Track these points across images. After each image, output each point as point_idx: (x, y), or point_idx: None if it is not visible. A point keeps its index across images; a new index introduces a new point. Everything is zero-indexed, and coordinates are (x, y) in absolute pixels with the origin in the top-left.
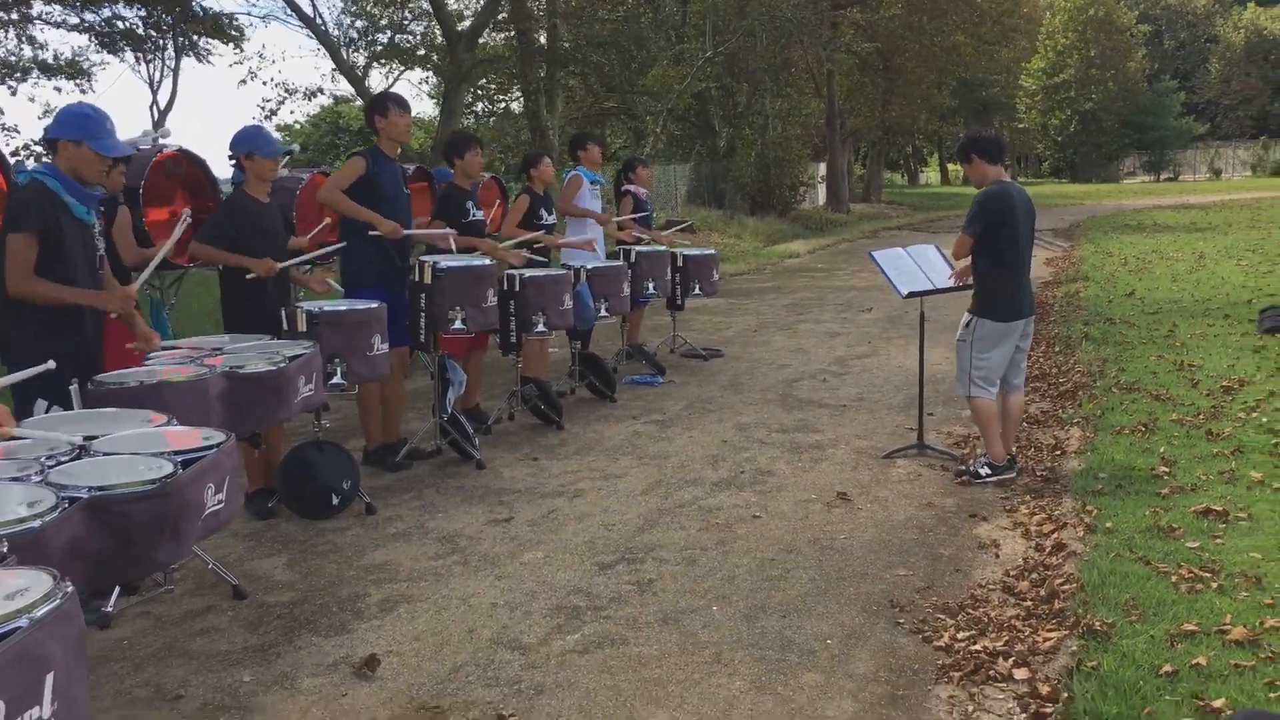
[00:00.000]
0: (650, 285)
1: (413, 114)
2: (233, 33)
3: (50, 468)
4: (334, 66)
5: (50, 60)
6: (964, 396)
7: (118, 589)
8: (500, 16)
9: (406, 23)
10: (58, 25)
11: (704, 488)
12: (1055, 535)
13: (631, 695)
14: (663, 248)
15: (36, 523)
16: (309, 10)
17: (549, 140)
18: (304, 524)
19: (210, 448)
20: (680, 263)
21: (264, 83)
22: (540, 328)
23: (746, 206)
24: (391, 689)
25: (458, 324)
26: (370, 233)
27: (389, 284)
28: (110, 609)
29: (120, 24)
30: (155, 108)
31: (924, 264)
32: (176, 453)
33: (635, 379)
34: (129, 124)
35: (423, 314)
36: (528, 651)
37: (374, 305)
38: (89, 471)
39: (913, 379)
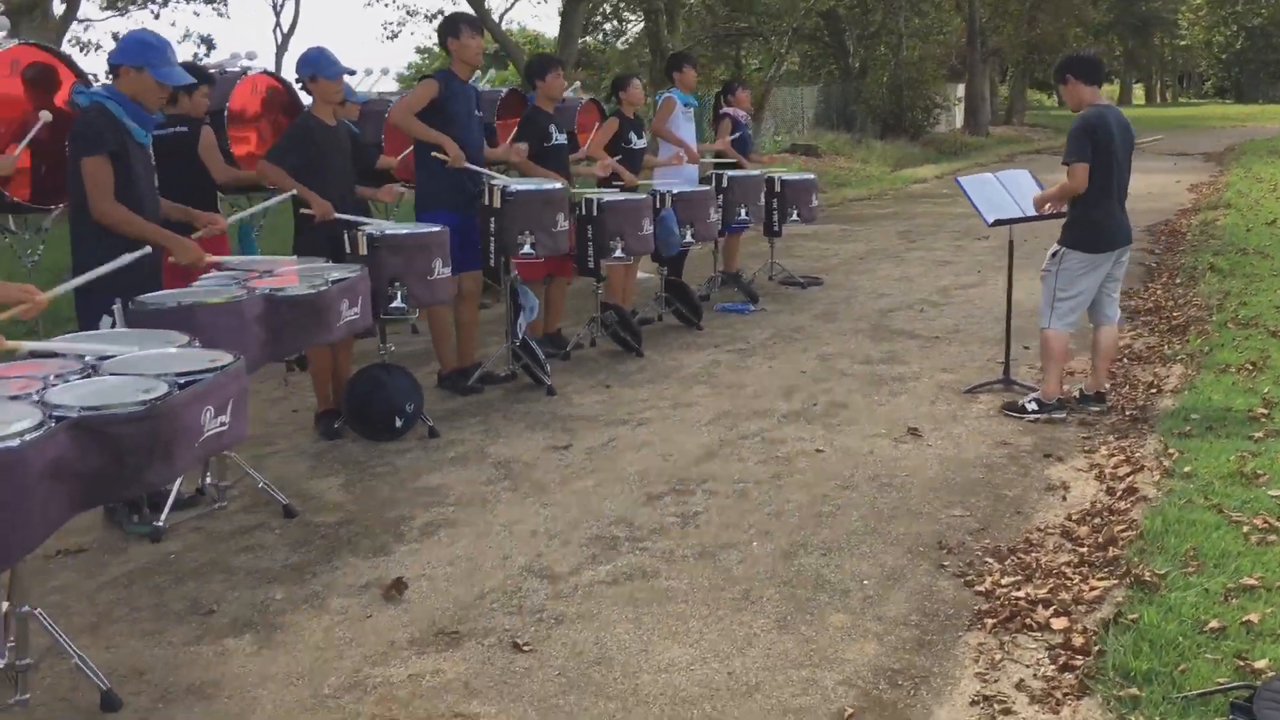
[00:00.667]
0: (743, 211)
1: (534, 34)
2: None
3: (52, 386)
4: None
5: None
6: (1043, 328)
7: (170, 502)
8: None
9: None
10: None
11: (772, 419)
12: (1130, 479)
13: (651, 629)
14: (756, 172)
15: (15, 441)
16: None
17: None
18: (367, 445)
19: (209, 371)
20: (777, 188)
21: (385, 4)
22: (618, 253)
23: (877, 129)
24: (415, 612)
25: (526, 248)
26: (433, 154)
27: (459, 206)
28: (162, 523)
29: None
30: (279, 30)
31: (1014, 190)
32: (180, 374)
33: (726, 306)
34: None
35: (492, 238)
36: (556, 581)
37: (435, 229)
38: (86, 392)
39: (1019, 310)
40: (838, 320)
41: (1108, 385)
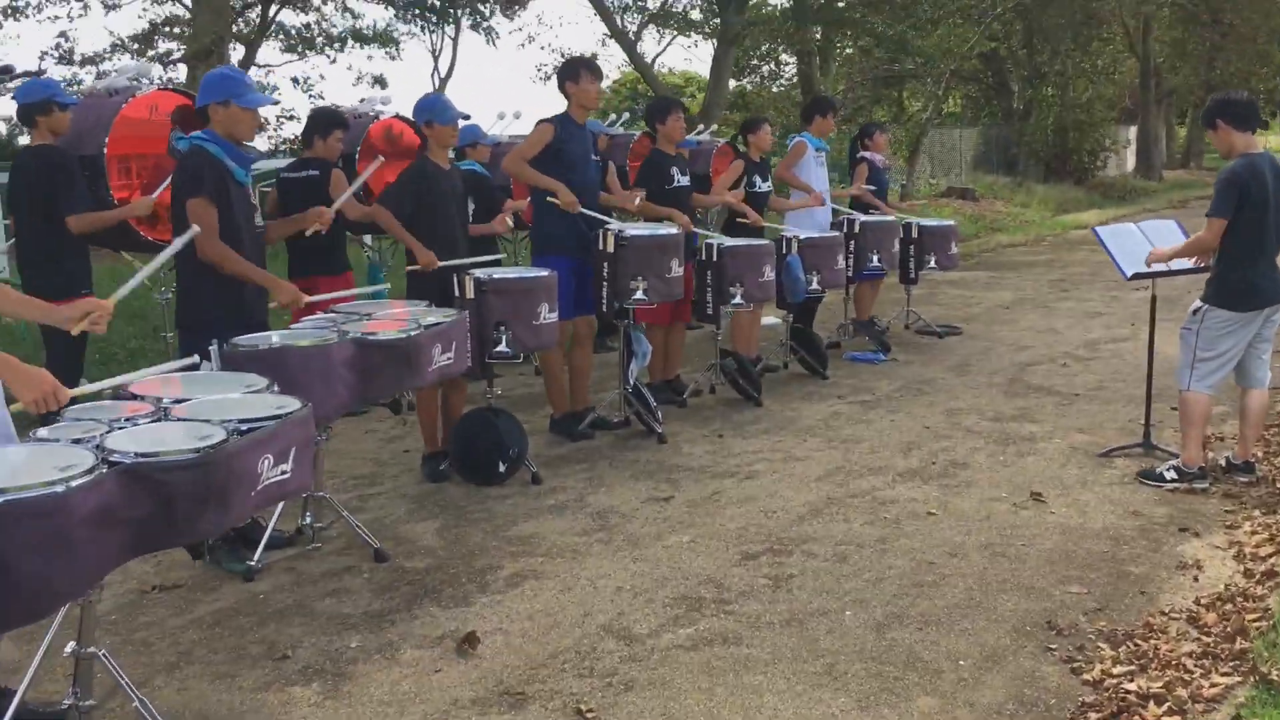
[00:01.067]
0: (875, 257)
1: (689, 76)
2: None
3: (116, 429)
4: (607, 32)
5: (365, 29)
6: (1182, 390)
7: (264, 540)
8: None
9: None
10: None
11: (886, 477)
12: (1271, 560)
13: (723, 700)
14: (890, 218)
15: (60, 487)
16: None
17: None
18: (469, 490)
19: (271, 419)
20: (914, 234)
21: (541, 48)
22: (737, 299)
23: (1039, 172)
24: (485, 669)
25: (639, 294)
26: (548, 199)
27: (575, 250)
28: (255, 563)
29: None
30: (436, 74)
31: (1159, 241)
32: (242, 421)
33: (856, 355)
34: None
35: (605, 283)
36: (633, 642)
37: (542, 273)
38: (146, 436)
39: (1169, 367)
40: (971, 373)
41: (1258, 454)
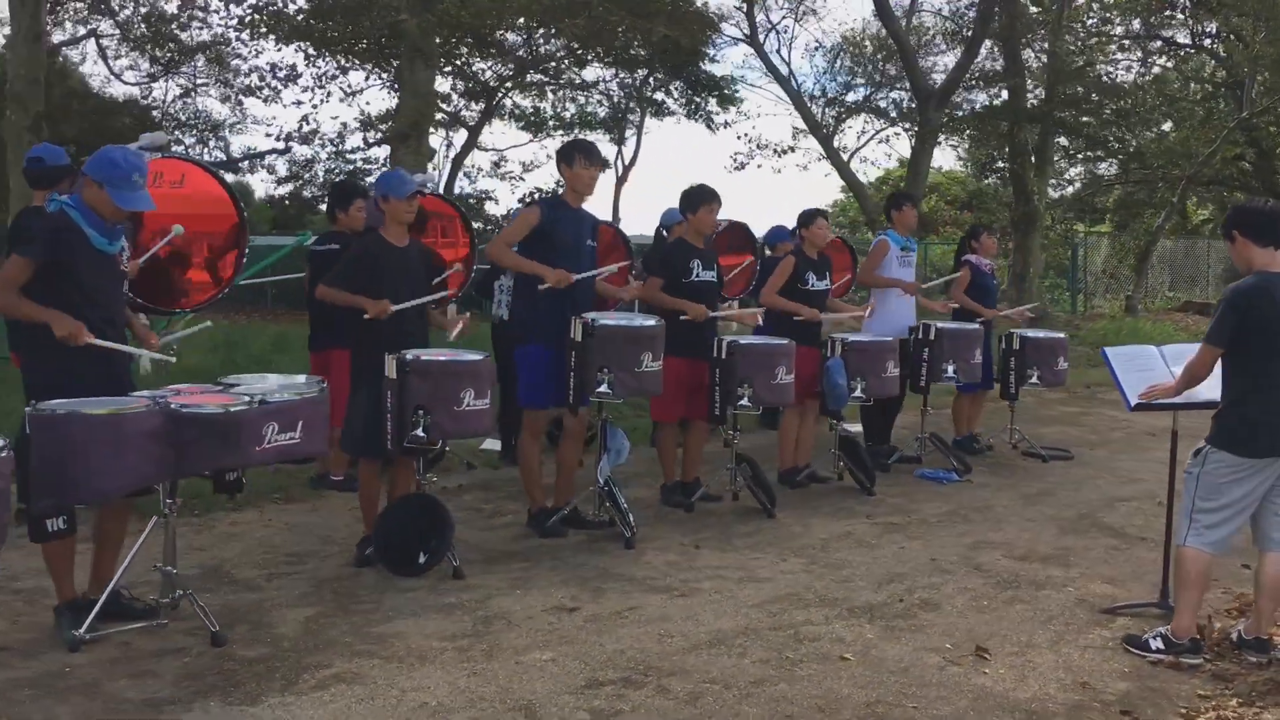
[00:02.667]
0: (950, 367)
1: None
2: (732, 94)
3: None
4: (803, 126)
5: (590, 115)
6: (1178, 545)
7: (96, 609)
8: (984, 70)
9: (880, 83)
10: (590, 87)
11: (833, 611)
12: None
13: None
14: (972, 326)
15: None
16: (783, 70)
17: (1033, 207)
18: (381, 579)
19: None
20: (1016, 346)
21: (738, 136)
22: (744, 401)
23: None
24: None
25: (603, 388)
26: (540, 287)
27: (554, 340)
28: (80, 633)
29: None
30: (621, 160)
31: (1179, 367)
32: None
33: (925, 473)
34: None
35: (571, 373)
36: None
37: (472, 357)
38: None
39: None
40: (1042, 504)
41: (1274, 632)
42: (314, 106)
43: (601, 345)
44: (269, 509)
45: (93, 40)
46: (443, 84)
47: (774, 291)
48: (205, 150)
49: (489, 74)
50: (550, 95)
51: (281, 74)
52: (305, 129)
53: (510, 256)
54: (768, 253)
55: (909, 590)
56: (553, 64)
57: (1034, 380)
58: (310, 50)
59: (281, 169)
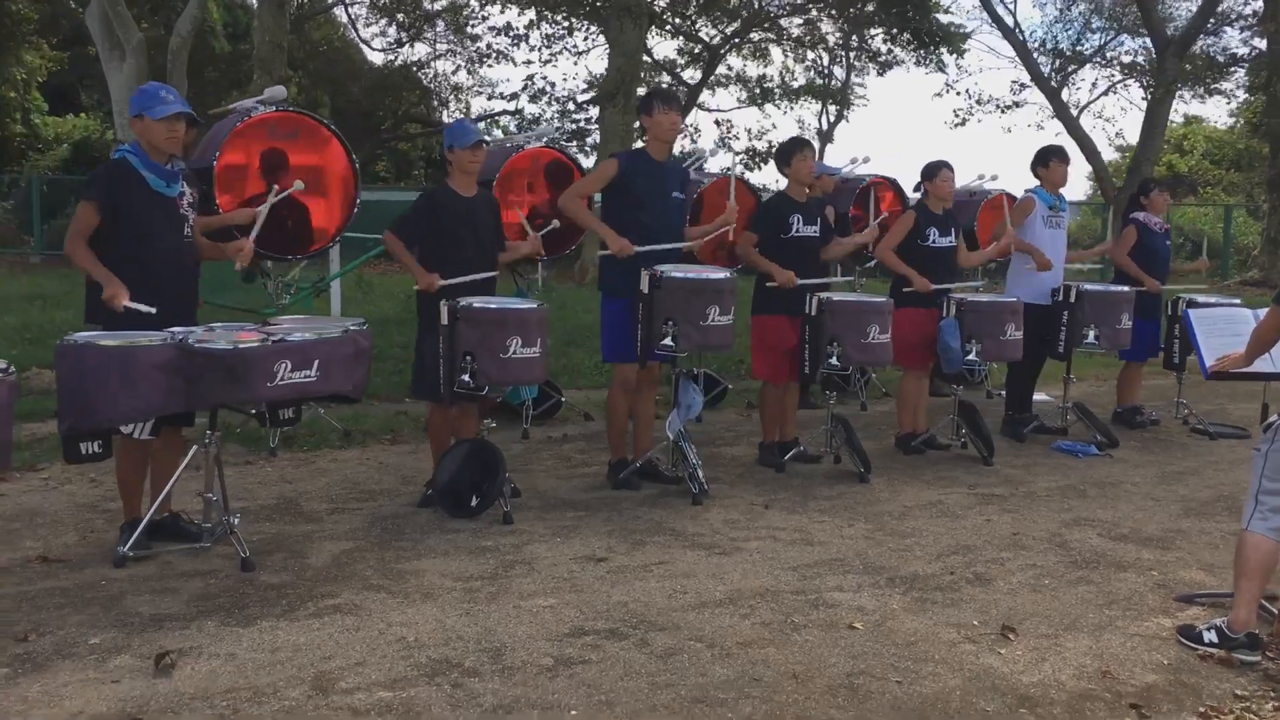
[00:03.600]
0: (1091, 333)
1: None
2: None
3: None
4: (1028, 79)
5: (818, 84)
6: (1242, 528)
7: (139, 529)
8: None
9: (1118, 30)
10: (816, 44)
11: (874, 579)
12: None
13: None
14: (1119, 288)
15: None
16: (1009, 20)
17: None
18: (436, 520)
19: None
20: (1178, 311)
21: (958, 93)
22: (833, 360)
23: None
24: (152, 693)
25: (667, 340)
26: (600, 253)
27: (634, 294)
28: (126, 549)
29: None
30: (825, 116)
31: None
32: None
33: (1062, 445)
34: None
35: (639, 326)
36: (320, 696)
37: (520, 305)
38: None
39: None
40: (1179, 484)
41: None
42: (542, 65)
43: (667, 297)
44: (374, 448)
45: (341, 8)
46: (668, 46)
47: (889, 248)
48: (446, 113)
49: (715, 35)
50: (775, 56)
51: (512, 36)
52: (533, 89)
53: (580, 210)
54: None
55: (968, 564)
56: (778, 16)
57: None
58: (536, 11)
59: (513, 128)
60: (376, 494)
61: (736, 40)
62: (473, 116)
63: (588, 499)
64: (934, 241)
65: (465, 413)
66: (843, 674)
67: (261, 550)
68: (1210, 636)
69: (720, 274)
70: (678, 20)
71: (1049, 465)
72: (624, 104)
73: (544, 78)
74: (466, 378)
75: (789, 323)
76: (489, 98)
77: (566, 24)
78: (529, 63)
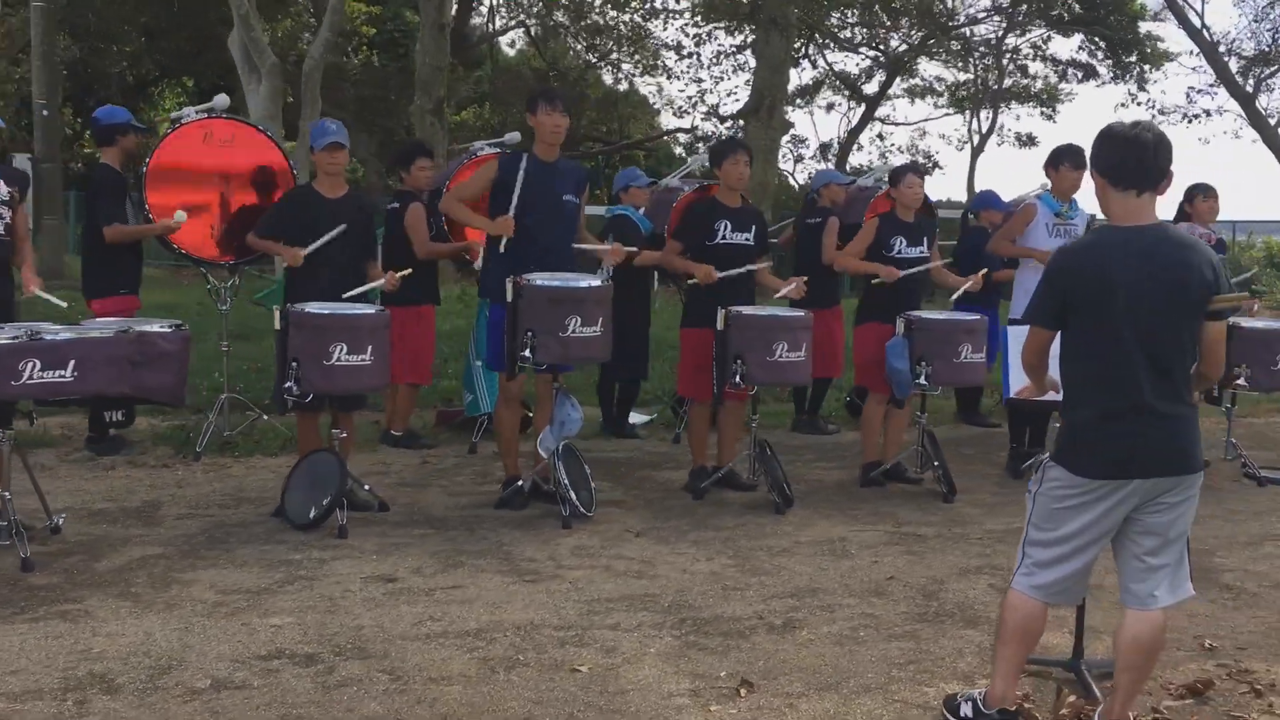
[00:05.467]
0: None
1: None
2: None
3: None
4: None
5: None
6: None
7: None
8: None
9: None
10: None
11: (662, 617)
12: None
13: None
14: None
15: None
16: (1195, 21)
17: None
18: (276, 530)
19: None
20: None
21: (1137, 103)
22: (737, 379)
23: None
24: None
25: (525, 352)
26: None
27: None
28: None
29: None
30: (978, 130)
31: None
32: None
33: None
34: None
35: (504, 336)
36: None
37: (352, 311)
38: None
39: None
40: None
41: (1135, 715)
42: (714, 80)
43: (528, 306)
44: (283, 457)
45: (521, 29)
46: (848, 61)
47: (849, 254)
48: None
49: (900, 45)
50: (971, 65)
51: (685, 52)
52: (703, 106)
53: (456, 208)
54: (970, 221)
55: (792, 609)
56: (971, 24)
57: (1241, 381)
58: (706, 28)
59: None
60: (246, 502)
61: (932, 41)
62: (657, 134)
63: (457, 516)
64: (900, 252)
65: (310, 424)
66: (487, 713)
67: (66, 552)
68: (966, 710)
69: (584, 282)
70: (849, 33)
71: (1017, 506)
72: (767, 119)
73: (717, 90)
74: (290, 382)
75: (707, 336)
76: (677, 113)
77: (733, 34)
78: (700, 80)
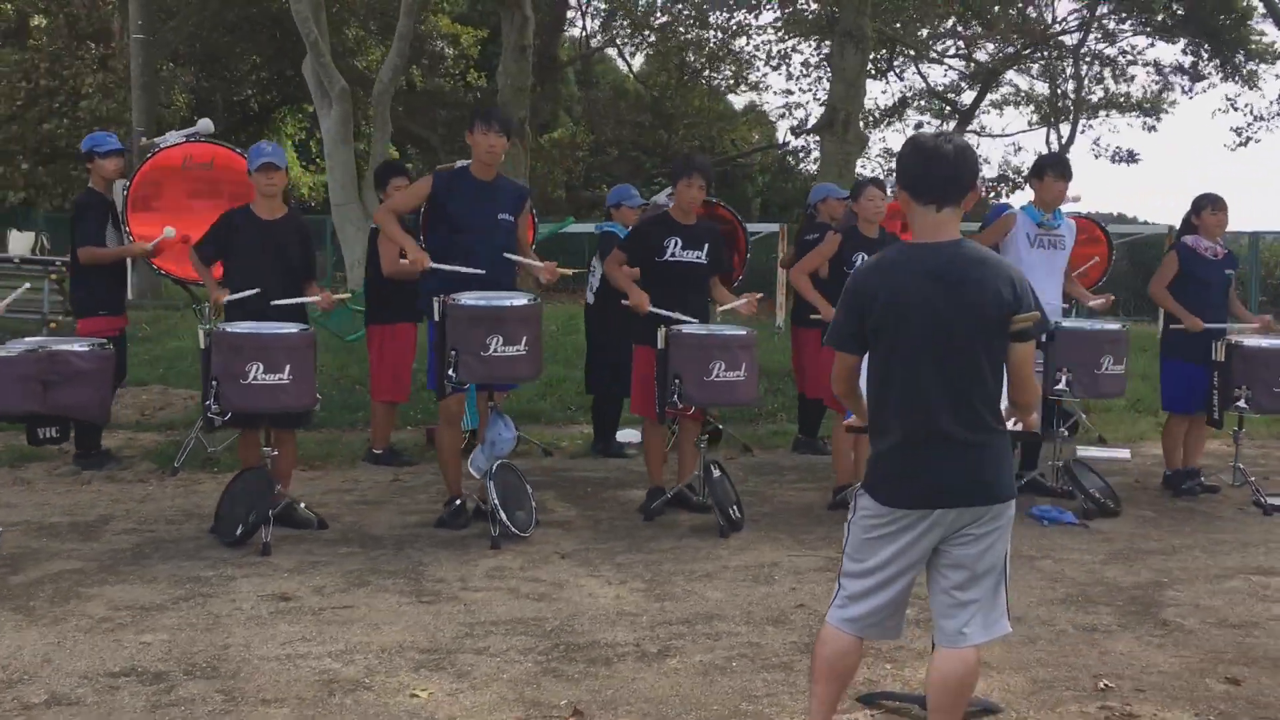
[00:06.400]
0: (1063, 378)
1: None
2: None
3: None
4: None
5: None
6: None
7: None
8: None
9: None
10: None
11: (526, 640)
12: None
13: None
14: (1106, 326)
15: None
16: None
17: None
18: (206, 546)
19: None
20: (1220, 357)
21: (1235, 108)
22: (674, 398)
23: None
24: None
25: (451, 371)
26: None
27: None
28: None
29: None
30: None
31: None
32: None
33: (1039, 510)
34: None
35: (431, 355)
36: None
37: (270, 330)
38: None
39: None
40: (1108, 563)
41: None
42: (803, 92)
43: (453, 325)
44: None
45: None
46: (938, 74)
47: (804, 272)
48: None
49: (993, 55)
50: (1063, 72)
51: (773, 64)
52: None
53: (388, 224)
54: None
55: (675, 636)
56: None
57: (1242, 403)
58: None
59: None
60: (196, 518)
61: (1027, 51)
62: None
63: (393, 535)
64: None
65: (250, 441)
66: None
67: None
68: None
69: (509, 300)
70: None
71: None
72: (842, 133)
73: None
74: (211, 400)
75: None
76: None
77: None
78: (789, 92)
